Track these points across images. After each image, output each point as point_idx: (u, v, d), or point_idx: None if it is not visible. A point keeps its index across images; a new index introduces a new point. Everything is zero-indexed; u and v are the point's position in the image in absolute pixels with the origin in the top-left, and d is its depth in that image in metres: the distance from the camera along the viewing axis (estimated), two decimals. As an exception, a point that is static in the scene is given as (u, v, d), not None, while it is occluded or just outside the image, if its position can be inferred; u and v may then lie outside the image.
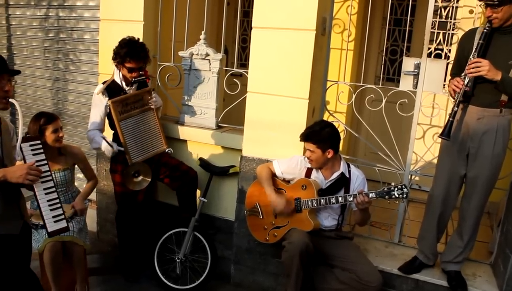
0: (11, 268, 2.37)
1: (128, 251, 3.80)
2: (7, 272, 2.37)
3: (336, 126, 3.08)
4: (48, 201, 2.30)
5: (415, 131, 3.44)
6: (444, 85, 3.41)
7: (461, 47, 2.95)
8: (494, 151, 2.80)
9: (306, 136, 2.99)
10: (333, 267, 3.05)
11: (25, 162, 2.25)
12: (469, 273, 3.19)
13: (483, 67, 2.66)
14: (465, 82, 2.74)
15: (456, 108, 2.78)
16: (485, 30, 2.70)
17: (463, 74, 2.77)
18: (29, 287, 2.46)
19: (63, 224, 2.34)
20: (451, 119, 2.78)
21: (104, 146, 3.37)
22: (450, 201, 3.03)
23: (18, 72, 2.34)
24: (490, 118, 2.78)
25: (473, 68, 2.70)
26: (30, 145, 2.28)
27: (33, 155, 2.29)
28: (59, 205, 2.35)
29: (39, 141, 2.35)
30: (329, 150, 2.96)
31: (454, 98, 2.82)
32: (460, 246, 3.03)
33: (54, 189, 2.34)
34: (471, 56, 2.74)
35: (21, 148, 2.26)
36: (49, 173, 2.33)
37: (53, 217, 2.31)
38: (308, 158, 3.02)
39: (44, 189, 2.29)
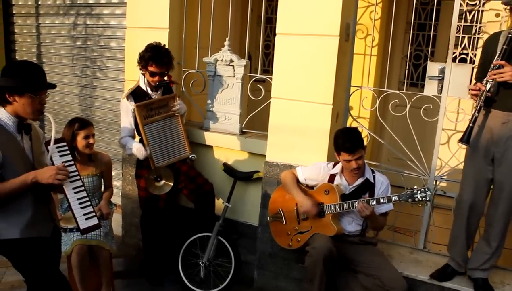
0: (42, 270, 2.45)
1: (152, 255, 3.85)
2: (39, 274, 2.44)
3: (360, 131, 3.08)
4: (78, 199, 2.39)
5: (440, 136, 3.41)
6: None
7: (485, 50, 2.93)
8: None
9: (355, 146, 2.90)
10: (357, 273, 3.04)
11: (53, 164, 2.34)
12: (497, 280, 3.13)
13: (505, 73, 2.65)
14: (487, 88, 2.72)
15: (477, 114, 2.76)
16: (510, 35, 2.67)
17: (485, 79, 2.76)
18: (59, 290, 2.53)
19: (95, 220, 2.42)
20: (471, 125, 2.76)
21: (136, 148, 3.42)
22: (478, 206, 2.99)
23: (55, 86, 2.45)
24: None
25: (495, 74, 2.68)
26: (57, 147, 2.37)
27: (60, 156, 2.38)
28: (89, 203, 2.43)
29: (65, 143, 2.45)
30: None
31: (475, 104, 2.80)
32: (487, 252, 2.98)
33: (83, 188, 2.43)
34: (494, 61, 2.71)
35: (51, 157, 2.36)
36: (77, 173, 2.42)
37: (84, 214, 2.40)
38: (356, 168, 2.95)
39: (73, 188, 2.38)
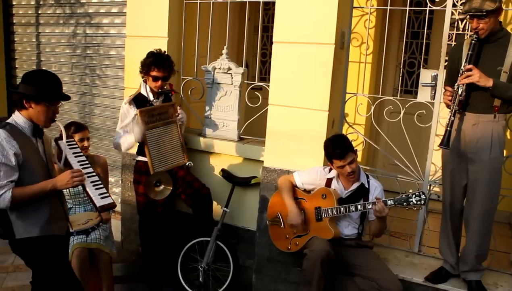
0: (57, 268, 2.57)
1: (151, 260, 3.87)
2: (53, 272, 2.56)
3: (355, 138, 3.14)
4: (91, 182, 2.55)
5: (434, 142, 3.48)
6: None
7: (450, 59, 3.08)
8: (491, 155, 2.87)
9: (345, 151, 2.97)
10: (354, 276, 3.09)
11: (66, 161, 2.56)
12: (491, 282, 3.19)
13: (474, 75, 2.78)
14: (459, 92, 2.85)
15: (453, 117, 2.88)
16: (473, 42, 2.82)
17: (456, 84, 2.88)
18: (70, 286, 2.65)
19: (110, 200, 2.55)
20: (448, 129, 2.88)
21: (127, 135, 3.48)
22: (456, 205, 3.10)
23: (69, 97, 2.62)
24: (485, 124, 2.87)
25: (465, 77, 2.81)
26: (67, 141, 2.60)
27: (70, 148, 2.61)
28: (102, 186, 2.58)
29: (73, 139, 2.74)
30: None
31: (450, 109, 2.93)
32: (470, 253, 3.05)
33: (94, 173, 2.60)
34: (462, 67, 2.85)
35: (66, 158, 2.57)
36: (87, 161, 2.63)
37: (99, 194, 2.53)
38: (351, 172, 3.01)
39: (86, 173, 2.54)
